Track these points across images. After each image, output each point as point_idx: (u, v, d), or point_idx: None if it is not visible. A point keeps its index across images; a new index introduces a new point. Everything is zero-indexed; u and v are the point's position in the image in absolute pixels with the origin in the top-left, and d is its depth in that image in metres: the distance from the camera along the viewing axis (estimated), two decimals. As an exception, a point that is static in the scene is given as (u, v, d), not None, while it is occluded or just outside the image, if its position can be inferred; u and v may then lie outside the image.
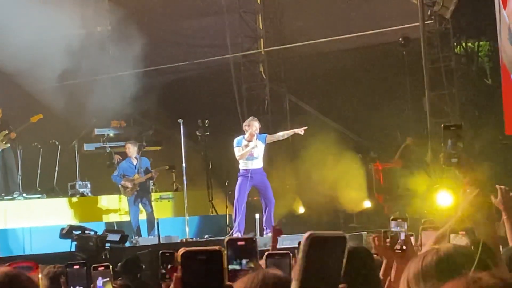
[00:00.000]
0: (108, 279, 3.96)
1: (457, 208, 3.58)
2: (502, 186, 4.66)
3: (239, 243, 2.98)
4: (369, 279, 4.00)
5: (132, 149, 16.54)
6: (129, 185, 16.32)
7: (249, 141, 14.59)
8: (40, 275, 3.68)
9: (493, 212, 3.41)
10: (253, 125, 14.65)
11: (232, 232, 14.66)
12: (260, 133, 14.70)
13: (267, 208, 14.66)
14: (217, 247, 2.28)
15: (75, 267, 3.98)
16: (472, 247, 2.98)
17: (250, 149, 14.51)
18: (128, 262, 9.47)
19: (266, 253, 3.66)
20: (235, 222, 14.70)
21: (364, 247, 4.46)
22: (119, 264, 10.17)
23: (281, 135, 15.04)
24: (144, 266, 9.60)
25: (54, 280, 5.46)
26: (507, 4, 13.49)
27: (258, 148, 14.61)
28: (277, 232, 6.04)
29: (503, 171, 16.31)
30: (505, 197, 4.65)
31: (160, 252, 4.44)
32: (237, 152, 14.65)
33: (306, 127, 14.75)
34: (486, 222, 3.44)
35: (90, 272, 4.09)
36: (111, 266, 4.12)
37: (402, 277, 2.79)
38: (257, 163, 14.64)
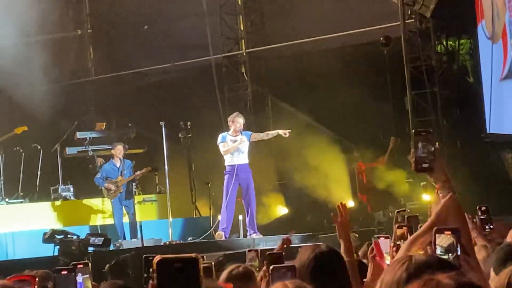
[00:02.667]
0: (87, 275, 3.93)
1: (430, 212, 3.57)
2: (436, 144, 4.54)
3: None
4: (339, 283, 4.00)
5: (121, 151, 16.55)
6: (113, 187, 16.29)
7: (234, 136, 14.51)
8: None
9: (464, 216, 3.40)
10: (237, 121, 14.58)
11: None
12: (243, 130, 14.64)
13: (249, 209, 14.59)
14: (193, 255, 2.25)
15: (63, 272, 3.94)
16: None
17: (237, 144, 14.40)
18: (117, 265, 9.44)
19: (271, 267, 3.63)
20: (222, 222, 14.60)
21: (334, 249, 4.43)
22: (107, 265, 10.15)
23: (265, 135, 15.01)
24: (130, 272, 9.57)
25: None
26: None
27: (244, 143, 14.54)
28: (286, 242, 6.02)
29: (485, 169, 16.38)
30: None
31: (144, 256, 4.42)
32: (222, 147, 14.50)
33: (290, 130, 14.73)
34: (458, 225, 3.44)
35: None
36: (90, 264, 4.09)
37: (377, 285, 2.78)
38: (243, 158, 14.53)
